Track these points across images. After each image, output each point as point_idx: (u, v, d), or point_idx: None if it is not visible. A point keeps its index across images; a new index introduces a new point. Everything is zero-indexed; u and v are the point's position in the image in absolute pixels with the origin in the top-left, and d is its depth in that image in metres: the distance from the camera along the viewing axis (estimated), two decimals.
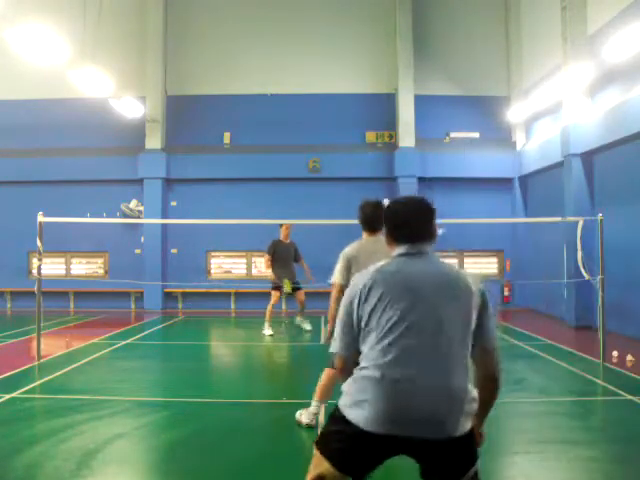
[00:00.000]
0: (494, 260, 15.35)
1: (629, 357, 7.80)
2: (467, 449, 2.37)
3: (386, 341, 2.31)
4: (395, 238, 2.53)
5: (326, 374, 4.85)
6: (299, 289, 10.84)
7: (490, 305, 2.44)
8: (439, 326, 2.30)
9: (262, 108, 15.08)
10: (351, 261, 4.40)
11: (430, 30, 15.17)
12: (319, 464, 2.42)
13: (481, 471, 2.39)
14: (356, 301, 2.41)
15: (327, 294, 4.93)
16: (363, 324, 2.39)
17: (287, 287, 10.54)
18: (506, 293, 14.90)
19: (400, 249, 2.49)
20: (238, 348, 9.99)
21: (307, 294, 11.21)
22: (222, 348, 10.37)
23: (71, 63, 10.87)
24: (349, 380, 2.43)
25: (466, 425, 2.32)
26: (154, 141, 14.96)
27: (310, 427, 4.96)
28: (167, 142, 15.20)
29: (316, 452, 2.45)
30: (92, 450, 4.45)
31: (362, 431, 2.28)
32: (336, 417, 2.41)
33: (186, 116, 15.22)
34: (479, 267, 15.24)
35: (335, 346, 2.51)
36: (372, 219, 4.47)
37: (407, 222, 2.50)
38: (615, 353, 8.00)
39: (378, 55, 15.28)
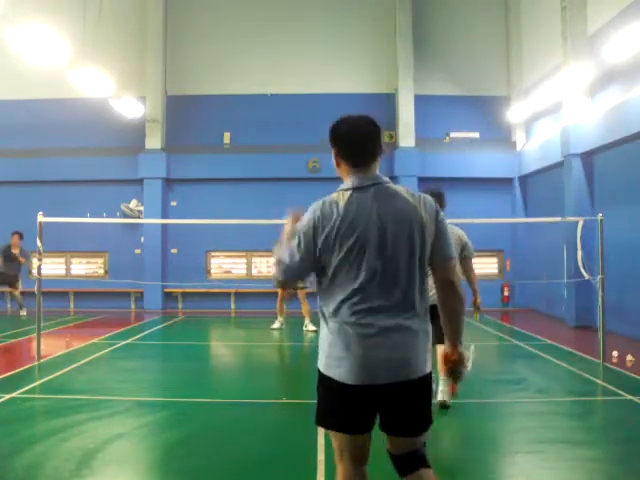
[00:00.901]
0: (494, 260, 15.34)
1: (629, 357, 7.79)
2: (427, 391, 2.46)
3: (353, 300, 2.36)
4: (343, 159, 2.49)
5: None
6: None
7: (444, 220, 2.47)
8: (402, 278, 2.37)
9: (262, 108, 15.07)
10: None
11: (430, 30, 15.17)
12: (334, 439, 2.49)
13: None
14: (320, 241, 2.38)
15: None
16: (330, 274, 2.39)
17: None
18: (506, 293, 14.89)
19: (353, 180, 2.45)
20: (238, 348, 9.98)
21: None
22: (222, 348, 10.37)
23: (71, 63, 10.87)
24: (321, 337, 2.48)
25: (429, 363, 2.43)
26: (154, 141, 14.96)
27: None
28: (167, 142, 15.20)
29: (327, 431, 2.52)
30: (92, 450, 4.44)
31: (343, 385, 2.35)
32: (319, 380, 2.47)
33: (186, 116, 15.21)
34: (479, 267, 15.18)
35: (284, 274, 2.48)
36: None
37: (352, 142, 2.47)
38: (615, 353, 7.99)
39: (378, 55, 15.28)
